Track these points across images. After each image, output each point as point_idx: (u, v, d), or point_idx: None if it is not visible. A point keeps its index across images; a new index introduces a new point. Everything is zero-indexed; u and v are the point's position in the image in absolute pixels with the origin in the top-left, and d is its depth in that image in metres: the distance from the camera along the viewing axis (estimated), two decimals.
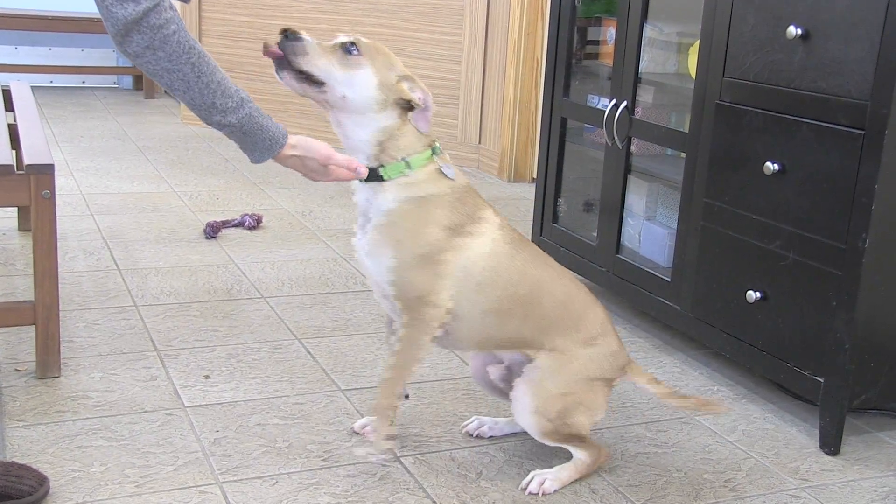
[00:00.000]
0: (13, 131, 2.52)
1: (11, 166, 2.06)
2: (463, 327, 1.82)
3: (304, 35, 1.72)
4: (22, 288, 2.71)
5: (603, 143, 2.72)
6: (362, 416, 2.07)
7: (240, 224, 3.48)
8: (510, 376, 1.93)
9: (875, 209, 1.90)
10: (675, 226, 2.48)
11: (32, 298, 2.15)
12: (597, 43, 2.97)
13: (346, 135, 1.78)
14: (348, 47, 1.73)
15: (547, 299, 1.85)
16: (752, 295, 2.18)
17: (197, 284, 2.86)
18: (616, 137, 2.64)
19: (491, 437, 2.05)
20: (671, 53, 2.71)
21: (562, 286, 1.88)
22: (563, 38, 2.89)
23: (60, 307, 2.22)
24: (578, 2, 2.86)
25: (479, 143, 4.64)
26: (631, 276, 2.64)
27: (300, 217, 3.68)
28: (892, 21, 1.84)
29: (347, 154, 1.79)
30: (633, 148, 2.66)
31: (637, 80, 2.60)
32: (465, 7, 4.53)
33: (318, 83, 1.72)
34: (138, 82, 6.52)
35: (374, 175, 1.77)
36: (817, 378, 2.05)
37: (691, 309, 2.40)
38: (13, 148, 2.34)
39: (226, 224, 3.45)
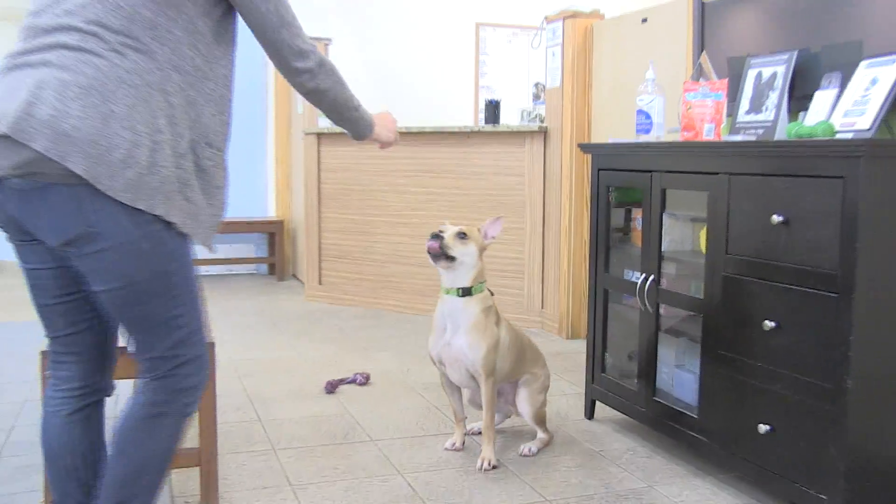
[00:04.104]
0: None
1: None
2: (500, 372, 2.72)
3: (445, 234, 2.59)
4: (188, 436, 2.89)
5: (638, 308, 2.85)
6: None
7: (353, 381, 3.64)
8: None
9: (852, 355, 1.99)
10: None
11: (197, 445, 2.33)
12: (629, 226, 3.13)
13: (456, 276, 2.62)
14: (461, 235, 2.60)
15: (528, 351, 2.84)
16: (763, 427, 2.25)
17: (320, 431, 3.01)
18: (647, 304, 2.77)
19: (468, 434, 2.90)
20: (687, 234, 2.85)
21: (533, 346, 2.90)
22: (601, 224, 3.06)
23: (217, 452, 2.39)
24: (612, 197, 3.05)
25: (542, 308, 4.79)
26: (666, 415, 2.71)
27: (400, 374, 3.83)
28: (847, 211, 1.99)
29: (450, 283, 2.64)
30: (661, 311, 2.78)
31: (661, 257, 2.75)
32: (526, 202, 4.77)
33: (451, 258, 2.59)
34: (272, 269, 6.86)
35: (467, 292, 2.62)
36: (822, 496, 2.09)
37: (716, 440, 2.46)
38: None
39: (342, 381, 3.62)
